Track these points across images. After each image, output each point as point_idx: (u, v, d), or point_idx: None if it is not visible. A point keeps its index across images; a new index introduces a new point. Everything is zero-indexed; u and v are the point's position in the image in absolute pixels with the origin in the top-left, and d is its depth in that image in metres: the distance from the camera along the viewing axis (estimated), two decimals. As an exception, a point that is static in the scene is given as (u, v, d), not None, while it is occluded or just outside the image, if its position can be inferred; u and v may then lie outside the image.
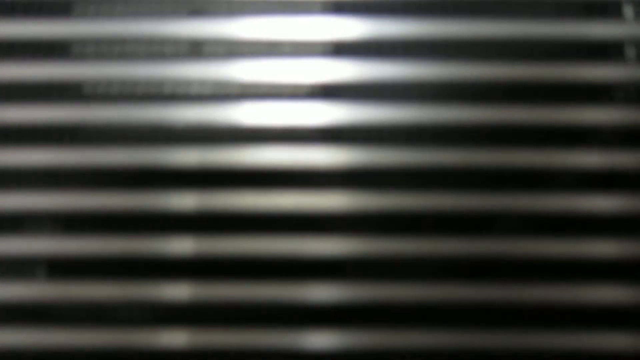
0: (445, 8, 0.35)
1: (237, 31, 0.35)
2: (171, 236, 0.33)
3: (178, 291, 0.33)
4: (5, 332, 0.33)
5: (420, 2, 0.35)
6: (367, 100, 0.34)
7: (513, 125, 0.33)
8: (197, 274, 0.33)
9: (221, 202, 0.33)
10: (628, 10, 0.35)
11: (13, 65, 0.35)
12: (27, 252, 0.33)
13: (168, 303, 0.33)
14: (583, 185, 0.33)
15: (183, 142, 0.34)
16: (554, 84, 0.34)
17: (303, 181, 0.33)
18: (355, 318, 0.32)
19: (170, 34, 0.35)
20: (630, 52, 0.34)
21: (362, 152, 0.33)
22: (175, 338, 0.32)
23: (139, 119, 0.34)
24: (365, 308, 0.32)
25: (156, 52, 0.35)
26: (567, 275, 0.32)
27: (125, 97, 0.35)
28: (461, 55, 0.34)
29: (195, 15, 0.35)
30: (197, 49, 0.35)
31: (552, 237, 0.32)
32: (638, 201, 0.33)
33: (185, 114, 0.34)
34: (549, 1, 0.35)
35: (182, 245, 0.33)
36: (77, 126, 0.34)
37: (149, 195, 0.33)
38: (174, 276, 0.33)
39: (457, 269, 0.32)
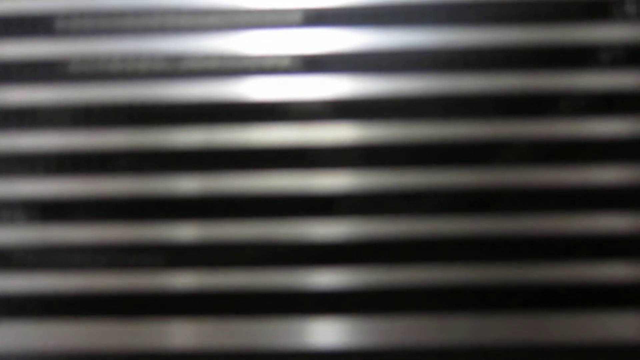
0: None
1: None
2: (174, 175, 0.33)
3: (183, 232, 0.32)
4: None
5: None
6: (360, 26, 0.33)
7: (513, 48, 0.32)
8: (199, 213, 0.32)
9: (223, 139, 0.32)
10: None
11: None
12: (26, 193, 0.33)
13: (173, 244, 0.32)
14: (587, 109, 0.32)
15: (180, 78, 0.33)
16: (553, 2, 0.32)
17: (303, 115, 0.33)
18: (361, 255, 0.32)
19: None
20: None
21: (360, 81, 0.32)
22: (181, 280, 0.32)
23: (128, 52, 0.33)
24: (371, 245, 0.32)
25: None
26: (572, 204, 0.32)
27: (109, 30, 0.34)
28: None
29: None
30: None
31: (556, 164, 0.32)
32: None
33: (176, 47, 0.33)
34: None
35: (185, 185, 0.33)
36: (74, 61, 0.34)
37: (149, 133, 0.33)
38: (178, 216, 0.32)
39: (460, 201, 0.32)
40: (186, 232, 0.32)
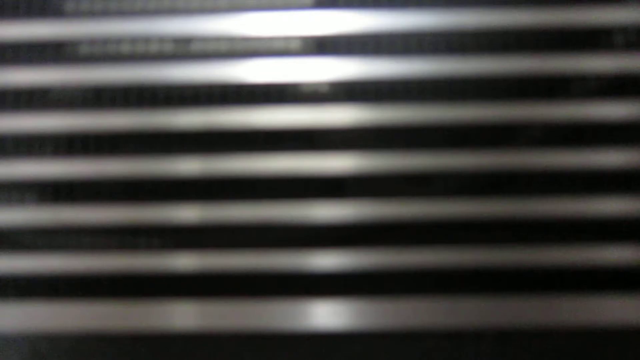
0: None
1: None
2: (183, 158, 0.32)
3: (193, 213, 0.32)
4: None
5: None
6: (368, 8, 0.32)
7: (525, 30, 0.32)
8: (210, 195, 0.32)
9: (233, 121, 0.32)
10: None
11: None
12: (35, 174, 0.33)
13: (184, 226, 0.32)
14: (600, 92, 0.31)
15: (190, 60, 0.33)
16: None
17: (313, 97, 0.32)
18: (366, 237, 0.32)
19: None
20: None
21: (371, 63, 0.32)
22: (189, 262, 0.32)
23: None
24: (380, 227, 0.32)
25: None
26: (585, 186, 0.31)
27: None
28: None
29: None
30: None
31: (568, 147, 0.31)
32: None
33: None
34: None
35: (195, 167, 0.32)
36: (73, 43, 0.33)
37: (158, 115, 0.32)
38: (189, 198, 0.32)
39: (468, 183, 0.32)
40: (197, 214, 0.32)
